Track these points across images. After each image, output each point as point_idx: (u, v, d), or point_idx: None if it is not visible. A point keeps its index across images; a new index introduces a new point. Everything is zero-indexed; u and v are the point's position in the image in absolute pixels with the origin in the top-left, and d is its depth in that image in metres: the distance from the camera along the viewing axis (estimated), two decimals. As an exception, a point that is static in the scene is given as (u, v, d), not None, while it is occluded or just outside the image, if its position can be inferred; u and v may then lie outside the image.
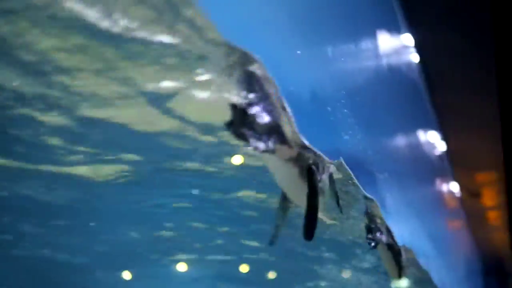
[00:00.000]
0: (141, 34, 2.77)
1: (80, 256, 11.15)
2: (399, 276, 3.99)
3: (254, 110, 1.65)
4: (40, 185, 7.01)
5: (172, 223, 8.50)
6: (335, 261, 7.94)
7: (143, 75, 3.24)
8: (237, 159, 3.15)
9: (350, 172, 2.81)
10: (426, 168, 6.67)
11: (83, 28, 2.75)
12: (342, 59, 3.11)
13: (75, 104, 4.05)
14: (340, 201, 2.60)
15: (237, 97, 1.79)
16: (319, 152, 2.34)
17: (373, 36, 3.97)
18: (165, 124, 4.40)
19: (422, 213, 5.79)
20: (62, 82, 3.64)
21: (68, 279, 12.35)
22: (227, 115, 1.91)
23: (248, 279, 11.27)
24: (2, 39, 2.88)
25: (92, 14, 2.60)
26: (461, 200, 9.00)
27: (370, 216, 3.63)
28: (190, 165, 5.61)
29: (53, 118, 4.58)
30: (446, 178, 7.88)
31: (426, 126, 6.85)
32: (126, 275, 12.15)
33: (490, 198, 9.33)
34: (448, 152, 7.78)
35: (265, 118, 1.66)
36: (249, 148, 1.87)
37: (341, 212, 2.55)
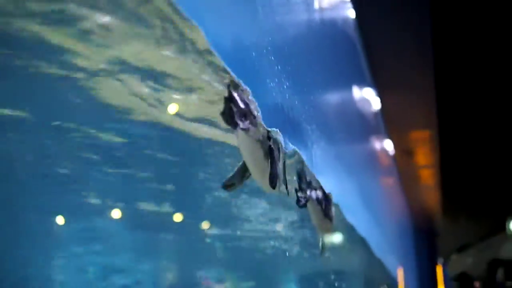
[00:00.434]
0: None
1: None
2: (328, 232, 3.93)
3: (237, 101, 2.04)
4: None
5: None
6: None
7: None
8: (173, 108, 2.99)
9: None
10: (360, 125, 6.65)
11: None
12: (271, 7, 2.97)
13: None
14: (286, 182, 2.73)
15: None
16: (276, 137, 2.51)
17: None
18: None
19: (353, 169, 5.77)
20: None
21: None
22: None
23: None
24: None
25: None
26: (395, 158, 9.13)
27: (299, 172, 3.50)
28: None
29: None
30: (380, 136, 7.93)
31: (361, 83, 6.82)
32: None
33: (423, 157, 9.49)
34: (382, 110, 7.82)
35: (243, 106, 2.05)
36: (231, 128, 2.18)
37: (286, 188, 2.69)
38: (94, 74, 2.53)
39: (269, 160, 2.33)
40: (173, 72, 2.54)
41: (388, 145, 8.39)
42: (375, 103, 7.41)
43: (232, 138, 2.40)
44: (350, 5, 5.95)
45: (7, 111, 2.89)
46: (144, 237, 5.95)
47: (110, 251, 5.86)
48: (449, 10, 6.37)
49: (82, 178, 4.07)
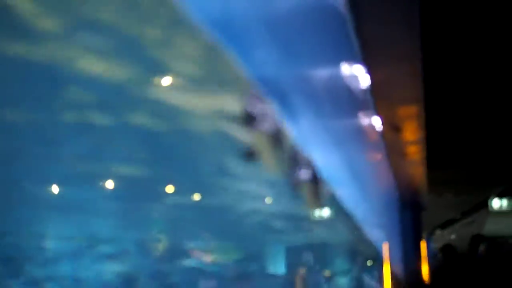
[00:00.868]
0: None
1: None
2: (316, 205, 3.96)
3: (255, 112, 2.33)
4: None
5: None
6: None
7: None
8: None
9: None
10: (347, 99, 6.66)
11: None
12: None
13: None
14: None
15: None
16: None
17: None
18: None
19: (340, 143, 5.79)
20: None
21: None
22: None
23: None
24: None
25: None
26: (382, 133, 9.14)
27: (294, 155, 3.60)
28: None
29: None
30: (368, 111, 7.94)
31: (349, 57, 6.79)
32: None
33: (410, 132, 9.51)
34: (370, 84, 7.80)
35: (259, 116, 2.34)
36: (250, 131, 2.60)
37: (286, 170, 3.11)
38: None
39: (276, 151, 2.79)
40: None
41: (375, 120, 8.40)
42: (363, 78, 7.40)
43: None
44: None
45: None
46: (132, 207, 5.99)
47: (97, 219, 5.90)
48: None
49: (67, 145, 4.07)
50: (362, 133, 7.81)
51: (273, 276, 8.29)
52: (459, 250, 8.71)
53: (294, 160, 3.60)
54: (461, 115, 9.33)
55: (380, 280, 11.10)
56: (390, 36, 7.31)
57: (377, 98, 8.27)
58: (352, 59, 6.85)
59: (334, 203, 5.58)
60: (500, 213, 14.48)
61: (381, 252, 10.44)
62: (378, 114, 8.67)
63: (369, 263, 10.23)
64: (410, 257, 14.61)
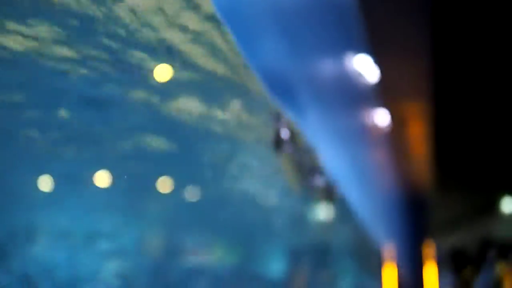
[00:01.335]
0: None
1: None
2: (323, 206, 3.77)
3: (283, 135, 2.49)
4: None
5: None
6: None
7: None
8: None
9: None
10: (353, 93, 6.43)
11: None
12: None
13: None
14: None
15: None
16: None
17: None
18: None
19: (344, 138, 5.55)
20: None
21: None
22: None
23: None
24: None
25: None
26: (388, 129, 8.91)
27: (312, 168, 3.65)
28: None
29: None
30: (375, 106, 7.71)
31: (358, 50, 6.57)
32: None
33: (417, 129, 9.29)
34: (378, 78, 7.57)
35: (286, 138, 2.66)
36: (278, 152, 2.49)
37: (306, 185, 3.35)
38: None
39: (298, 172, 3.28)
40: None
41: (381, 115, 8.16)
42: (371, 72, 7.16)
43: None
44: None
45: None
46: (130, 201, 5.77)
47: (94, 214, 5.68)
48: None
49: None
50: (368, 128, 7.57)
51: (273, 276, 8.15)
52: (467, 254, 8.46)
53: (309, 169, 3.55)
54: (471, 111, 9.08)
55: (383, 281, 10.88)
56: (400, 29, 7.08)
57: (384, 92, 8.04)
58: (359, 53, 6.62)
59: (339, 202, 5.37)
60: (510, 215, 14.24)
61: (385, 253, 10.24)
62: (385, 109, 8.44)
63: (372, 263, 10.05)
64: (414, 258, 14.39)
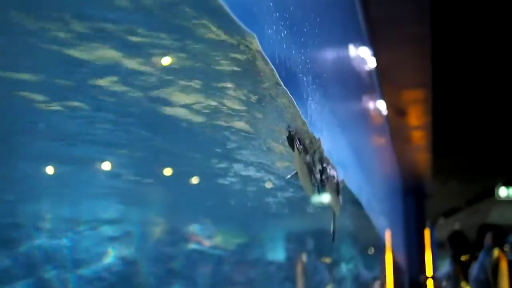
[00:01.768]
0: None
1: None
2: (337, 210, 3.84)
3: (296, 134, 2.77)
4: None
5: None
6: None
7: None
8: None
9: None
10: (354, 81, 6.49)
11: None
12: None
13: None
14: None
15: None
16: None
17: None
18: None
19: (343, 126, 5.61)
20: None
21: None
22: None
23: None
24: None
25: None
26: (387, 118, 8.99)
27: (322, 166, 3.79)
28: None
29: None
30: (374, 94, 7.77)
31: (357, 39, 6.62)
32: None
33: (416, 117, 9.36)
34: (377, 66, 7.65)
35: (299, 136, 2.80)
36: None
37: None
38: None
39: (311, 175, 3.04)
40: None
41: (381, 104, 8.23)
42: (370, 60, 7.23)
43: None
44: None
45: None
46: (134, 189, 5.83)
47: (98, 201, 5.74)
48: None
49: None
50: (367, 117, 7.65)
51: (274, 261, 8.25)
52: (466, 239, 8.57)
53: (317, 160, 3.57)
54: (470, 101, 9.16)
55: (383, 267, 10.98)
56: (399, 17, 7.15)
57: (383, 81, 8.12)
58: (358, 41, 6.68)
59: (343, 191, 5.42)
60: (507, 201, 14.36)
61: (384, 240, 10.32)
62: (383, 97, 8.52)
63: (371, 250, 10.13)
64: (413, 245, 14.53)
